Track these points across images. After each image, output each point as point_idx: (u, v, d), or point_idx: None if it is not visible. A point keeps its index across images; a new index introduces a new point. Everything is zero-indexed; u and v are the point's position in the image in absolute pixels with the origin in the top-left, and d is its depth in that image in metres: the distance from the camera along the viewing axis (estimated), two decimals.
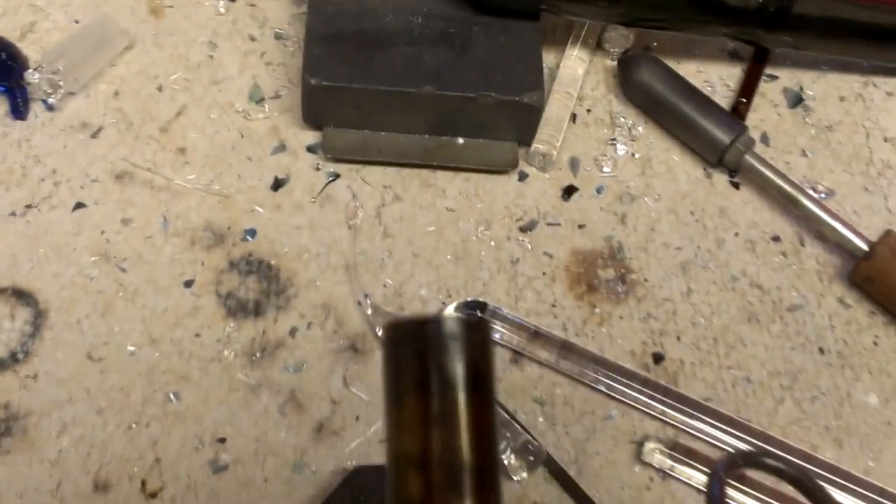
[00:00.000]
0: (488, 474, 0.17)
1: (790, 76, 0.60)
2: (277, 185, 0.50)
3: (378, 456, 0.43)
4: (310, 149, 0.52)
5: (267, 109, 0.52)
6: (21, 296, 0.45)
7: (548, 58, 0.57)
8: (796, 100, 0.59)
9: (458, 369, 0.17)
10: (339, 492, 0.41)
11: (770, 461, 0.45)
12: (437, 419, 0.17)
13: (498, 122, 0.51)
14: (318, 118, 0.51)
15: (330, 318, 0.47)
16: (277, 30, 0.55)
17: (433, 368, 0.17)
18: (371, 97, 0.49)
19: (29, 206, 0.48)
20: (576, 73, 0.55)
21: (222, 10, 0.56)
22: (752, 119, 0.57)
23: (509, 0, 0.52)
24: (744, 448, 0.47)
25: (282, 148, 0.51)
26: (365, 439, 0.44)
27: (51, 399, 0.43)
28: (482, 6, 0.52)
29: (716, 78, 0.58)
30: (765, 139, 0.57)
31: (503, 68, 0.50)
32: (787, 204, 0.53)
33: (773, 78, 0.59)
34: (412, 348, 0.18)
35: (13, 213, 0.47)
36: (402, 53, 0.50)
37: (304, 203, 0.50)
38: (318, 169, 0.51)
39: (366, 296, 0.47)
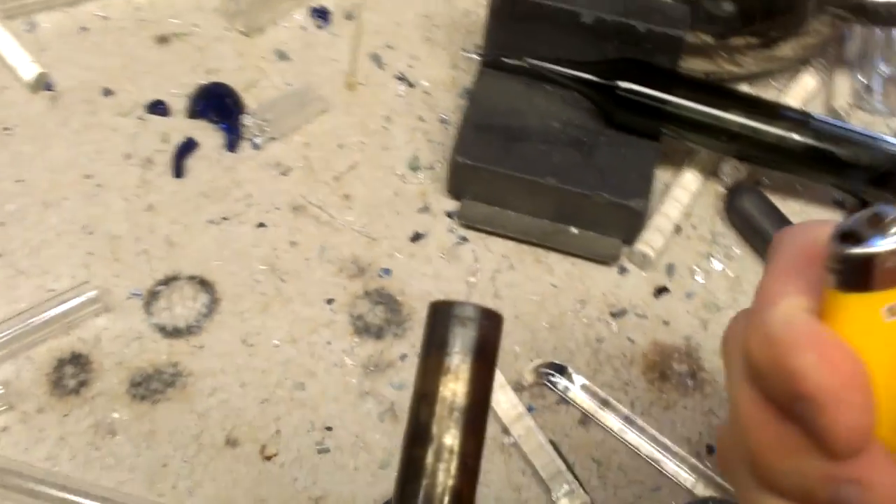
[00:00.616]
0: (477, 413, 0.27)
1: None
2: (416, 237, 0.61)
3: None
4: (448, 214, 0.62)
5: (420, 177, 0.64)
6: (204, 284, 0.57)
7: (666, 174, 0.65)
8: None
9: (469, 340, 0.27)
10: None
11: None
12: (447, 371, 0.27)
13: (607, 220, 0.60)
14: (459, 190, 0.62)
15: None
16: (442, 115, 0.67)
17: (451, 336, 0.27)
18: (504, 180, 0.59)
19: (224, 218, 0.60)
20: (688, 192, 0.64)
21: (402, 93, 0.68)
22: None
23: (637, 122, 0.61)
24: None
25: (426, 209, 0.62)
26: None
27: (209, 367, 0.54)
28: (613, 123, 0.62)
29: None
30: None
31: (619, 175, 0.59)
32: None
33: None
34: (441, 321, 0.27)
35: (212, 221, 0.60)
36: (536, 149, 0.60)
37: (434, 257, 0.60)
38: (451, 231, 0.62)
39: None
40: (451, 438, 0.27)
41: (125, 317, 0.56)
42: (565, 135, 0.61)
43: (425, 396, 0.27)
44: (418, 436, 0.27)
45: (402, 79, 0.69)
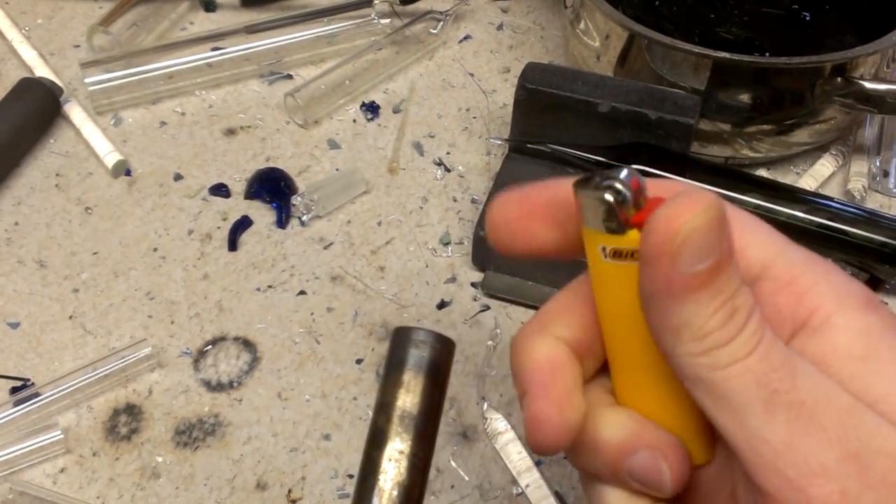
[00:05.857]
0: (426, 421, 0.31)
1: None
2: (441, 305, 0.66)
3: None
4: (473, 284, 0.67)
5: (449, 251, 0.69)
6: (247, 345, 0.63)
7: None
8: None
9: (421, 360, 0.32)
10: None
11: None
12: (402, 385, 0.31)
13: None
14: (483, 262, 0.67)
15: (453, 408, 0.60)
16: (474, 196, 0.73)
17: (407, 356, 0.32)
18: None
19: (270, 287, 0.67)
20: None
21: (439, 177, 0.74)
22: None
23: None
24: None
25: (452, 279, 0.67)
26: None
27: (245, 418, 0.60)
28: None
29: None
30: None
31: None
32: None
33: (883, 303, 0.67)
34: (401, 343, 0.32)
35: (258, 289, 0.67)
36: None
37: (458, 323, 0.65)
38: (475, 300, 0.66)
39: (483, 398, 0.61)
40: (402, 442, 0.31)
41: (175, 372, 0.62)
42: None
43: (383, 406, 0.32)
44: (376, 439, 0.32)
45: (439, 164, 0.76)
